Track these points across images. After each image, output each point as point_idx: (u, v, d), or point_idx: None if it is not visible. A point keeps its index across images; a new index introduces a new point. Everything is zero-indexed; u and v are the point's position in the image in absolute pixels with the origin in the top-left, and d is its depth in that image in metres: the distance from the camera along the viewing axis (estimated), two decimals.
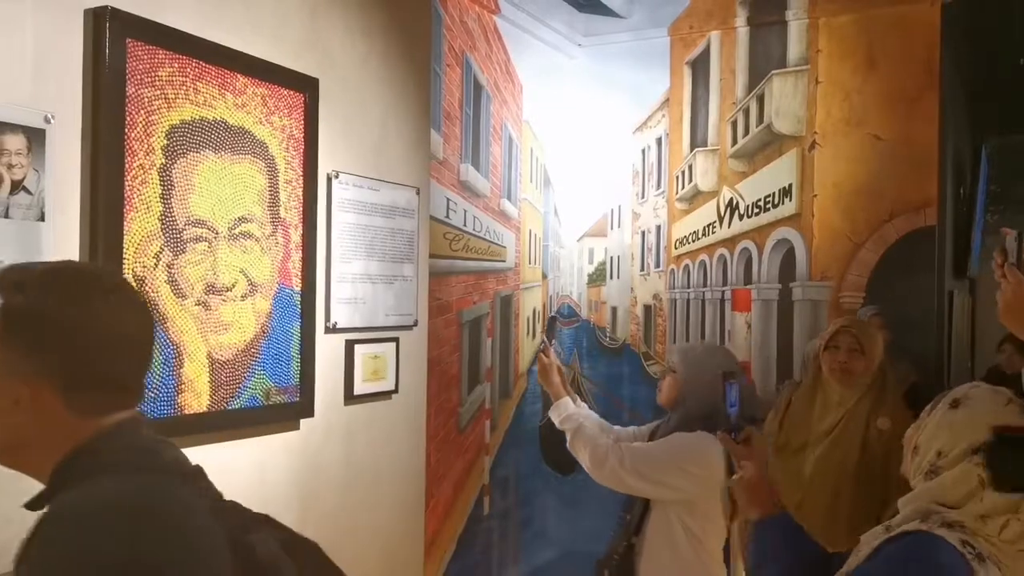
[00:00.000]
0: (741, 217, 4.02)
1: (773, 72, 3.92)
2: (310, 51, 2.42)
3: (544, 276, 4.18)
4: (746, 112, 4.02)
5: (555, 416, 2.71)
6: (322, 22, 2.47)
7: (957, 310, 4.00)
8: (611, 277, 4.38)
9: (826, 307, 3.81)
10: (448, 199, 3.36)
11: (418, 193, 2.85)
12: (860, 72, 3.76)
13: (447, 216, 3.36)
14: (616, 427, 2.90)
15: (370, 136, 2.67)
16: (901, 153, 3.67)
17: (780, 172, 3.91)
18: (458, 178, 3.45)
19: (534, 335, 4.02)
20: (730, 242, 4.04)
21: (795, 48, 3.90)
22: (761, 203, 3.97)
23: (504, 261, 3.81)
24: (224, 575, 1.02)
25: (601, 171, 4.32)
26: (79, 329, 1.07)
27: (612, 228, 4.39)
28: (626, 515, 2.67)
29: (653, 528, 2.53)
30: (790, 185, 3.89)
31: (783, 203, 3.92)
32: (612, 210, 4.39)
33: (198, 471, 1.15)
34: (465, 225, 3.50)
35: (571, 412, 2.67)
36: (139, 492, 1.01)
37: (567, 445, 2.66)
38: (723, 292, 4.04)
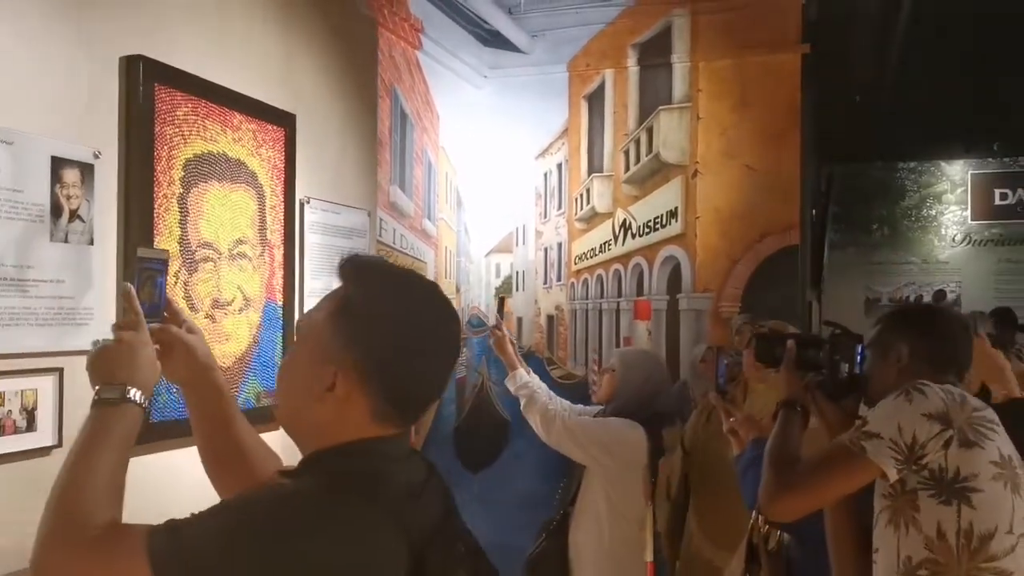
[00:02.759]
0: (634, 236, 4.51)
1: (660, 108, 4.44)
2: (285, 88, 2.69)
3: (457, 289, 4.53)
4: (637, 143, 4.52)
5: (511, 385, 3.04)
6: (295, 62, 2.74)
7: (816, 317, 4.64)
8: (517, 289, 4.78)
9: (707, 316, 4.35)
10: (381, 219, 3.66)
11: (369, 215, 3.15)
12: (735, 110, 4.33)
13: (380, 235, 3.65)
14: (565, 401, 3.25)
15: (332, 164, 2.95)
16: (770, 182, 4.25)
17: (667, 197, 4.43)
18: (388, 199, 3.75)
19: None
20: (624, 258, 4.53)
21: (679, 87, 4.43)
22: (651, 224, 4.48)
23: (425, 276, 4.13)
24: None
25: (507, 193, 4.72)
26: (421, 350, 1.07)
27: (517, 245, 4.79)
28: (565, 487, 3.06)
29: (583, 499, 2.93)
30: (676, 208, 4.42)
31: (670, 224, 4.44)
32: (517, 228, 4.79)
33: (420, 498, 1.08)
34: (394, 243, 3.80)
35: (525, 381, 3.02)
36: (319, 508, 0.98)
37: (520, 409, 2.98)
38: (618, 303, 4.52)
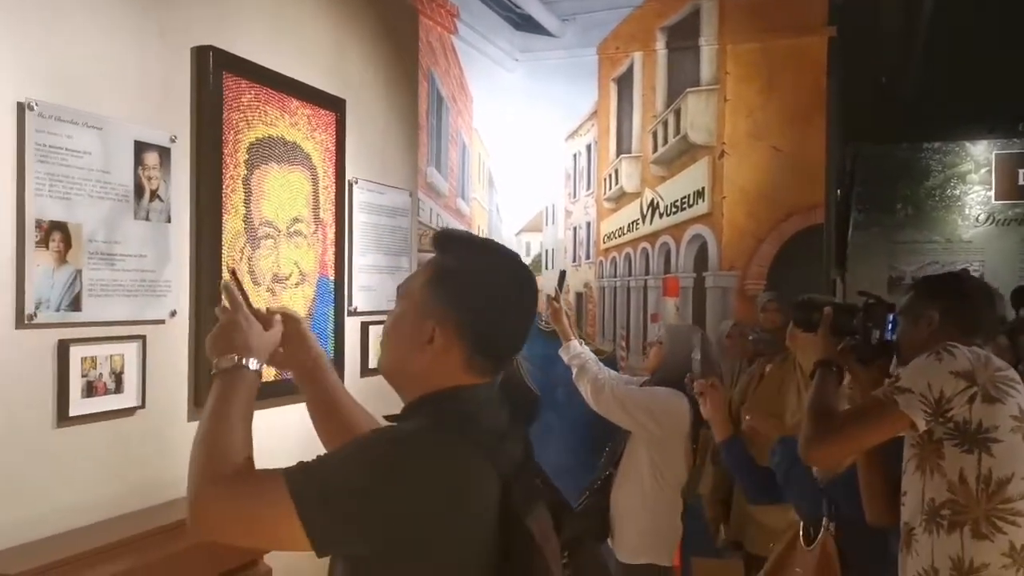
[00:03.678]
0: (661, 215, 4.63)
1: (688, 90, 4.55)
2: (335, 75, 2.83)
3: None
4: (665, 124, 4.63)
5: (564, 355, 3.19)
6: (345, 50, 2.88)
7: (839, 295, 4.75)
8: (546, 268, 4.92)
9: (733, 293, 4.48)
10: (419, 199, 3.81)
11: (410, 195, 3.30)
12: (762, 92, 4.43)
13: (417, 213, 3.80)
14: (613, 371, 3.38)
15: (377, 147, 3.10)
16: (795, 163, 4.35)
17: (694, 177, 4.55)
18: (426, 180, 3.90)
19: None
20: (651, 237, 4.65)
21: (707, 70, 4.54)
22: (678, 203, 4.60)
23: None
24: (472, 537, 1.13)
25: (537, 173, 4.85)
26: (505, 308, 1.23)
27: (547, 224, 4.93)
28: (610, 449, 3.19)
29: (627, 462, 3.07)
30: (703, 188, 4.53)
31: (697, 204, 4.56)
32: (547, 208, 4.93)
33: (506, 438, 1.22)
34: (430, 221, 3.95)
35: (578, 351, 3.17)
36: (427, 444, 1.14)
37: (573, 378, 3.13)
38: (646, 281, 4.65)
